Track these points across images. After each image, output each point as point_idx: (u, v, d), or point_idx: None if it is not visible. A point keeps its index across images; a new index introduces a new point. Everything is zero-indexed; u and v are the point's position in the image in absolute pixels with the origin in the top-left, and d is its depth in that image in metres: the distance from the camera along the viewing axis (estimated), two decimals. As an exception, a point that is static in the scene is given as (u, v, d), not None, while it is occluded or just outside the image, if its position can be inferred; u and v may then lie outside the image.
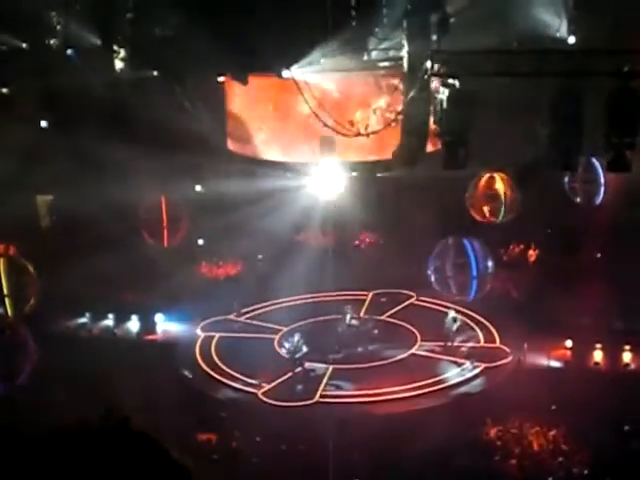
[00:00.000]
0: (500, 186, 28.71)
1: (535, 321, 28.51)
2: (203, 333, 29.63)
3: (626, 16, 21.60)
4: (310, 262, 31.38)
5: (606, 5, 22.34)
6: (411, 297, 31.72)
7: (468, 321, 29.24)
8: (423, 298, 31.22)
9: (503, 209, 28.69)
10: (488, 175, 29.01)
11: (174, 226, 29.52)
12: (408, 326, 29.41)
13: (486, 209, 29.05)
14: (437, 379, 25.59)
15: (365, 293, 32.13)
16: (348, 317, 28.15)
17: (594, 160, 28.74)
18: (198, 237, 33.72)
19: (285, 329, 28.61)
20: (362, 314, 29.35)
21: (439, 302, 29.95)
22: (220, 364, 27.21)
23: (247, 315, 31.04)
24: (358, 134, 22.02)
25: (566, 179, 29.54)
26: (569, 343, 27.23)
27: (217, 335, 29.49)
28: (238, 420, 23.58)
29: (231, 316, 30.83)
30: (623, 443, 21.67)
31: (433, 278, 27.75)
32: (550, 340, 27.56)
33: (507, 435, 21.99)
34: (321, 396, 24.79)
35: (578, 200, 29.74)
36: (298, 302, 31.58)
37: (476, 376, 25.77)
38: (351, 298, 31.08)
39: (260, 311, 31.36)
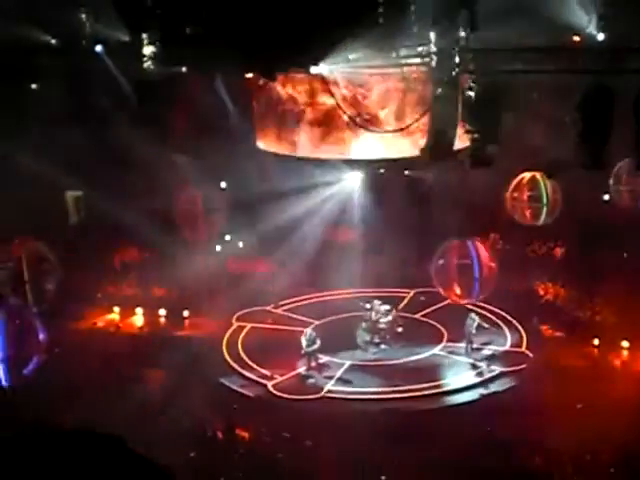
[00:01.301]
0: (542, 187, 27.86)
1: (562, 319, 28.50)
2: (237, 323, 29.88)
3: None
4: (340, 258, 31.53)
5: (635, 2, 22.21)
6: None
7: (500, 323, 29.03)
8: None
9: (545, 211, 27.88)
10: (530, 175, 28.16)
11: (210, 219, 29.62)
12: (439, 326, 29.09)
13: (528, 211, 28.28)
14: (446, 381, 25.52)
15: (407, 291, 31.96)
16: (374, 314, 28.04)
17: None
18: (226, 233, 33.75)
19: (317, 323, 28.75)
20: (394, 311, 28.76)
21: (479, 303, 29.76)
22: (243, 355, 27.42)
23: (284, 307, 31.20)
24: (386, 130, 22.13)
25: (611, 181, 28.44)
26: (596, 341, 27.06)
27: (249, 325, 29.72)
28: (252, 413, 23.83)
29: (268, 307, 31.10)
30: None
31: (436, 279, 26.41)
32: (578, 338, 27.42)
33: (531, 434, 21.92)
34: (328, 391, 24.85)
35: (622, 203, 28.61)
36: (336, 297, 31.56)
37: (491, 379, 25.59)
38: (393, 295, 30.79)
39: (299, 304, 31.44)
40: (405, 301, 31.12)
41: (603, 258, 31.28)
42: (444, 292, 26.27)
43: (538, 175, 28.16)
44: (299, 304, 31.46)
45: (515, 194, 28.70)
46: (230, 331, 29.34)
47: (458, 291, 25.95)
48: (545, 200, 27.82)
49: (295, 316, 30.22)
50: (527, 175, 28.34)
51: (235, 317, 30.27)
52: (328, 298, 31.69)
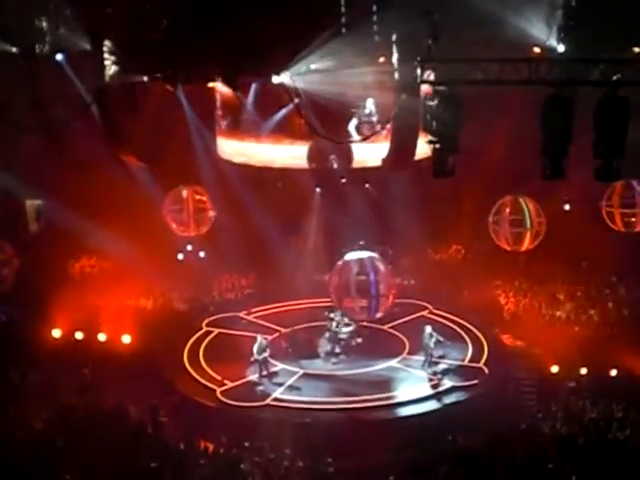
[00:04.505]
0: (525, 211, 27.11)
1: (523, 329, 28.64)
2: (206, 328, 29.88)
3: (615, 25, 21.65)
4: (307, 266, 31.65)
5: (595, 14, 22.42)
6: (424, 309, 30.84)
7: (465, 336, 28.74)
8: (437, 311, 30.61)
9: (529, 236, 27.16)
10: (512, 199, 27.46)
11: (200, 215, 29.81)
12: (403, 338, 28.71)
13: (510, 236, 27.48)
14: (395, 393, 25.09)
15: None
16: (334, 324, 27.96)
17: (634, 183, 27.07)
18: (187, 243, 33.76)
19: (284, 330, 28.84)
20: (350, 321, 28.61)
21: (452, 316, 29.80)
22: (202, 360, 27.39)
23: (256, 314, 31.17)
24: (348, 140, 22.15)
25: (603, 203, 27.81)
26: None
27: (216, 331, 29.65)
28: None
29: (240, 314, 31.14)
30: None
31: (333, 295, 25.78)
32: (539, 347, 27.51)
33: (487, 441, 21.98)
34: (274, 399, 24.59)
35: (615, 226, 27.85)
36: (311, 305, 31.24)
37: (444, 392, 24.97)
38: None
39: (271, 311, 31.42)
40: None
41: (562, 268, 31.64)
42: (340, 308, 25.81)
43: (521, 198, 27.34)
44: (271, 311, 31.36)
45: (497, 218, 27.85)
46: (196, 336, 29.25)
47: (355, 308, 25.20)
48: (529, 224, 27.12)
49: (265, 323, 30.08)
50: (509, 198, 27.62)
51: (205, 322, 30.24)
52: (301, 306, 31.47)
